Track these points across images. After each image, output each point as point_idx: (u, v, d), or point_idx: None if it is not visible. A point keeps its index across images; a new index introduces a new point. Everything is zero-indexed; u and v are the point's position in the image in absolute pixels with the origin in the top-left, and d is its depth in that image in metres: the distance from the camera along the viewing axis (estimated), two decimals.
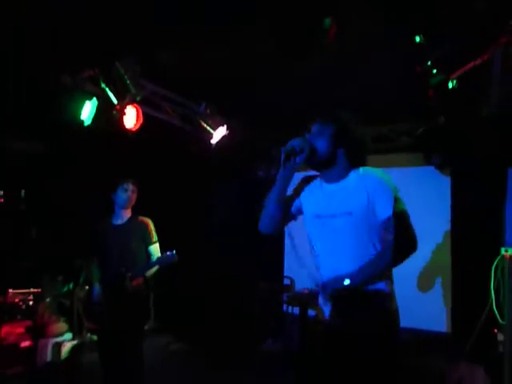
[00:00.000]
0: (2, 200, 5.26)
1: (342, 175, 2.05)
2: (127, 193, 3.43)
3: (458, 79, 2.92)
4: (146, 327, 3.79)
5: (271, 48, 3.70)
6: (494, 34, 2.54)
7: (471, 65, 2.71)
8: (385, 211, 1.93)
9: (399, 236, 1.92)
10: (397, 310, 2.04)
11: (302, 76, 4.18)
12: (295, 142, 1.97)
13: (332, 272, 2.00)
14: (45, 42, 3.39)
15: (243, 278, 5.95)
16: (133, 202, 3.51)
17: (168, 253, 3.22)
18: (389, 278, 2.03)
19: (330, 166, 2.05)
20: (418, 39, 2.68)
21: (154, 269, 3.41)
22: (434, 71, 2.86)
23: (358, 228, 1.97)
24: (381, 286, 1.98)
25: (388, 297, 2.01)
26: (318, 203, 2.09)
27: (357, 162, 2.06)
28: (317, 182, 2.16)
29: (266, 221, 2.15)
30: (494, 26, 2.44)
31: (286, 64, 4.01)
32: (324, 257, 2.07)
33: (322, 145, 2.01)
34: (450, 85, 2.91)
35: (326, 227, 2.04)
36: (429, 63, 2.84)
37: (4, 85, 3.94)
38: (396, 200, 1.94)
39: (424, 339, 5.09)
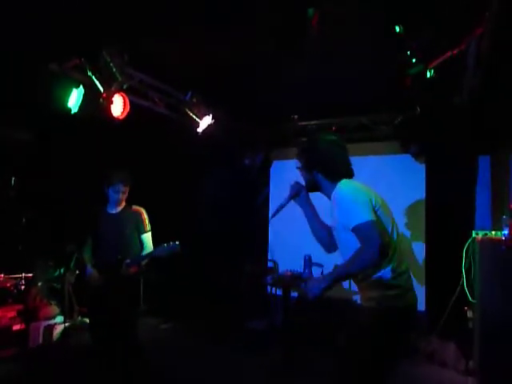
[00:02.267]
0: None
1: (331, 192, 2.20)
2: (118, 194, 3.39)
3: (434, 69, 2.88)
4: (139, 309, 3.78)
5: (257, 37, 3.61)
6: (471, 24, 2.50)
7: (448, 54, 2.67)
8: (349, 224, 2.01)
9: (362, 245, 1.96)
10: None
11: (286, 65, 4.10)
12: (292, 189, 2.38)
13: None
14: (32, 29, 3.24)
15: (230, 261, 5.91)
16: (124, 200, 3.47)
17: (171, 243, 3.20)
18: None
19: (318, 188, 2.29)
20: (397, 29, 2.63)
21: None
22: (413, 60, 2.81)
23: (341, 239, 2.18)
24: None
25: None
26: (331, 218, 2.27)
27: (334, 177, 2.21)
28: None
29: (325, 247, 2.40)
30: (470, 16, 2.40)
31: (270, 53, 3.92)
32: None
33: (305, 176, 2.31)
34: (428, 74, 2.88)
35: (336, 236, 2.27)
36: (408, 53, 2.80)
37: None
38: (357, 213, 1.99)
39: None
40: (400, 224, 5.27)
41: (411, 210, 5.36)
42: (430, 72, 2.89)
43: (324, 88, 4.46)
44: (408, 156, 5.33)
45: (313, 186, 2.30)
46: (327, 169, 2.22)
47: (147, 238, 3.44)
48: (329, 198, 2.24)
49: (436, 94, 3.46)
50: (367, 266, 1.97)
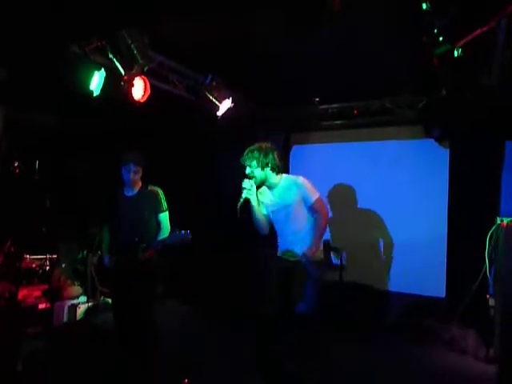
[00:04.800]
0: (18, 170, 5.22)
1: (276, 183, 3.25)
2: (129, 173, 3.42)
3: (462, 48, 2.77)
4: (157, 291, 3.84)
5: (276, 20, 3.55)
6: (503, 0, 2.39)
7: (478, 32, 2.56)
8: (312, 197, 3.16)
9: (323, 221, 3.19)
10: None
11: (306, 48, 4.02)
12: (244, 184, 3.13)
13: (285, 242, 3.31)
14: (52, 11, 3.25)
15: (247, 245, 5.93)
16: (137, 180, 3.50)
17: (182, 231, 3.21)
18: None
19: (267, 181, 3.25)
20: (424, 6, 2.53)
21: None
22: (441, 39, 2.71)
23: (295, 212, 3.19)
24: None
25: None
26: (270, 203, 3.30)
27: (278, 172, 3.24)
28: (266, 191, 3.36)
29: (262, 231, 3.36)
30: None
31: (291, 36, 3.86)
32: (280, 234, 3.37)
33: (258, 174, 3.18)
34: (456, 53, 2.77)
35: (278, 216, 3.27)
36: (435, 31, 2.69)
37: (15, 58, 3.82)
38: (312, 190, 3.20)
39: (421, 304, 5.10)
40: (421, 210, 5.25)
41: (433, 196, 5.26)
42: (458, 51, 2.78)
43: (346, 70, 4.37)
44: (431, 141, 5.21)
45: (263, 181, 3.22)
46: (276, 167, 3.21)
47: (164, 217, 3.49)
48: (272, 187, 3.27)
49: (463, 74, 3.35)
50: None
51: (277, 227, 3.35)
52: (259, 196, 3.32)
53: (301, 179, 3.20)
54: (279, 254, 3.37)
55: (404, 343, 4.64)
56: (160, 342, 3.48)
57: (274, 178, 3.22)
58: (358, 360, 4.11)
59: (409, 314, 5.06)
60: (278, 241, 3.40)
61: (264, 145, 3.26)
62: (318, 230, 3.15)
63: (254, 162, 3.17)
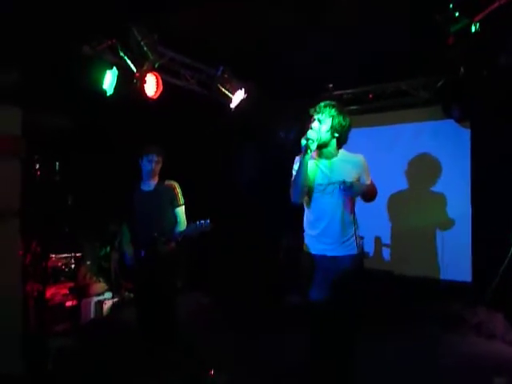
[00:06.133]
0: (39, 173, 5.31)
1: (333, 154, 2.73)
2: (151, 164, 3.44)
3: (480, 23, 2.65)
4: (178, 285, 3.88)
5: (287, 9, 3.49)
6: None
7: (496, 5, 2.44)
8: (366, 180, 2.74)
9: (372, 192, 2.78)
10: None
11: (318, 34, 3.95)
12: (310, 135, 2.58)
13: (328, 221, 2.69)
14: (63, 14, 3.27)
15: (268, 235, 5.92)
16: (157, 172, 3.52)
17: (202, 221, 3.19)
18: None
19: (326, 148, 2.71)
20: None
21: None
22: (457, 14, 2.59)
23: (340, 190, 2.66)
24: None
25: None
26: (318, 175, 2.71)
27: (341, 144, 2.77)
28: (312, 161, 2.72)
29: (297, 196, 2.70)
30: None
31: (302, 23, 3.79)
32: (318, 217, 2.73)
33: (325, 135, 2.67)
34: (473, 29, 2.64)
35: (326, 191, 2.69)
36: (450, 6, 2.58)
37: (27, 61, 3.86)
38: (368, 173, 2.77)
39: (447, 288, 5.02)
40: (444, 193, 5.14)
41: (456, 178, 5.13)
42: (476, 26, 2.65)
43: (359, 54, 4.28)
44: (451, 121, 5.07)
45: (324, 144, 2.69)
46: (345, 137, 2.75)
47: (181, 211, 3.50)
48: (326, 157, 2.73)
49: (482, 52, 3.22)
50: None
51: (315, 206, 2.74)
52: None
53: (363, 157, 2.75)
54: (314, 245, 2.77)
55: (430, 328, 4.57)
56: (183, 335, 3.51)
57: (334, 148, 2.72)
58: (382, 346, 4.07)
59: (434, 299, 4.98)
60: (311, 226, 2.80)
61: (343, 108, 2.77)
62: (368, 186, 2.73)
63: (329, 121, 2.65)
